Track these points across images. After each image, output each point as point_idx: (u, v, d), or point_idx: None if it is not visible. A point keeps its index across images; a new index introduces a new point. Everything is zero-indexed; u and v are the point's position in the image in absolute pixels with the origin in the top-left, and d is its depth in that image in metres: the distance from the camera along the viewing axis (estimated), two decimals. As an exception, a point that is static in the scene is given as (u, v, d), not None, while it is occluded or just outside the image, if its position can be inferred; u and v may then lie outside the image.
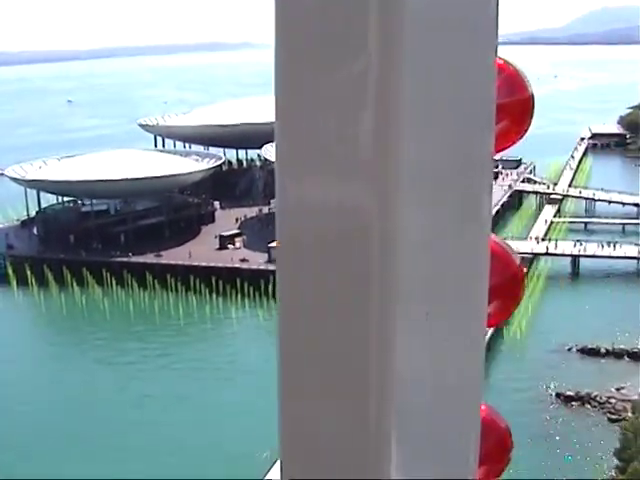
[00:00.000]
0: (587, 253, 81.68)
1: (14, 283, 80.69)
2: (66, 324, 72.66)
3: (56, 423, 51.80)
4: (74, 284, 79.24)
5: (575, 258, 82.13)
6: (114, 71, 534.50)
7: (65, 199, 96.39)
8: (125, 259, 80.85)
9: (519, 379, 56.64)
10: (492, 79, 1.32)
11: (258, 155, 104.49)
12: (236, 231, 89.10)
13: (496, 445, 1.54)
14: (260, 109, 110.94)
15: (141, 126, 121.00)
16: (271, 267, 78.91)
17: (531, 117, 1.49)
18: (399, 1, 1.12)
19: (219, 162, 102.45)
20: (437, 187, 1.22)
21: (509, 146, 1.50)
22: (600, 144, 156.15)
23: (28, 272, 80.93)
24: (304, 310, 1.21)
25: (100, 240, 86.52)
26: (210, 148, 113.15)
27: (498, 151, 1.46)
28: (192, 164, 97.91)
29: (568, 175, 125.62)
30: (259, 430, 47.05)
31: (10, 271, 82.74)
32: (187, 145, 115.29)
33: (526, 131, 1.50)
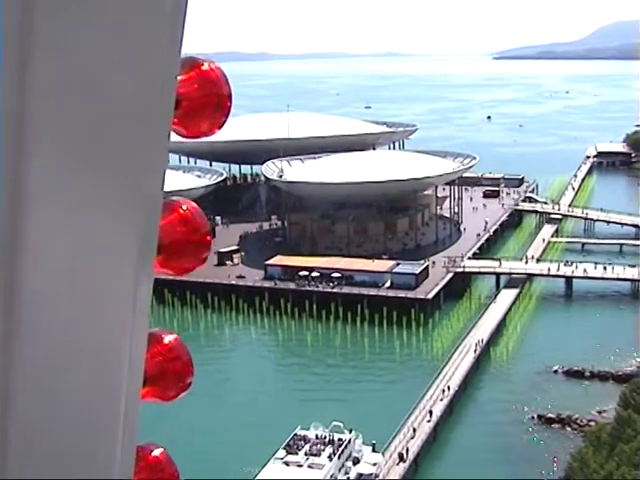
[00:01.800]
0: (581, 274, 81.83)
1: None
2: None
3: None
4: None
5: (569, 279, 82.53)
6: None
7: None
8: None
9: (501, 400, 57.21)
10: (171, 72, 1.45)
11: (261, 171, 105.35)
12: (235, 247, 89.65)
13: (177, 370, 1.90)
14: (262, 126, 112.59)
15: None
16: (266, 284, 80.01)
17: (228, 112, 1.66)
18: None
19: (220, 178, 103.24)
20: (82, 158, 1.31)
21: (203, 135, 1.70)
22: (605, 162, 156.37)
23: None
24: None
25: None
26: (214, 163, 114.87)
27: (191, 137, 1.70)
28: (194, 180, 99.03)
29: (570, 194, 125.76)
30: (247, 447, 48.11)
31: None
32: (192, 160, 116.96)
33: (223, 123, 1.68)
